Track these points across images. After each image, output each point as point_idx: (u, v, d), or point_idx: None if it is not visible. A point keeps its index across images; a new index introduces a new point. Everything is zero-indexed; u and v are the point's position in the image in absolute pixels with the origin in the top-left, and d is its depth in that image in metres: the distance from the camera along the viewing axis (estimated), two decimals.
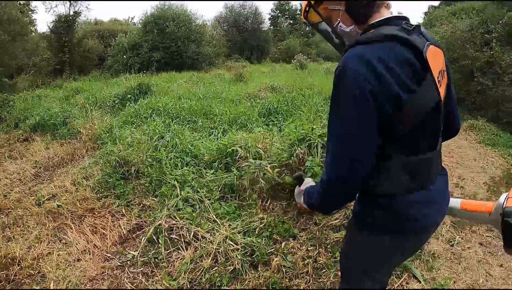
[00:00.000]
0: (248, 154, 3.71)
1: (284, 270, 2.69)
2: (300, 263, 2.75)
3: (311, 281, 2.63)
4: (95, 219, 3.52)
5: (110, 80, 13.98)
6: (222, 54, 24.26)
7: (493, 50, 9.40)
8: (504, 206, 1.29)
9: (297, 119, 5.03)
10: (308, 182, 1.55)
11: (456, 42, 10.39)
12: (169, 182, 3.64)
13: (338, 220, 3.12)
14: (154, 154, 4.28)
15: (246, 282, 2.59)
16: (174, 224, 3.03)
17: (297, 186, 1.58)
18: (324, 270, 2.71)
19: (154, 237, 3.00)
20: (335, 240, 2.96)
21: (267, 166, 3.36)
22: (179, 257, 2.79)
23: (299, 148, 3.45)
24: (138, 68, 17.69)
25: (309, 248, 2.90)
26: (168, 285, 2.57)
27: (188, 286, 2.57)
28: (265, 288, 2.55)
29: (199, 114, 6.45)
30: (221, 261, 2.67)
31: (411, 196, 1.22)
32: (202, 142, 4.79)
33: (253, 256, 2.76)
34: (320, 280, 2.65)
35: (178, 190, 3.42)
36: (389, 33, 1.12)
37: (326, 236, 3.02)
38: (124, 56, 19.20)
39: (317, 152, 3.48)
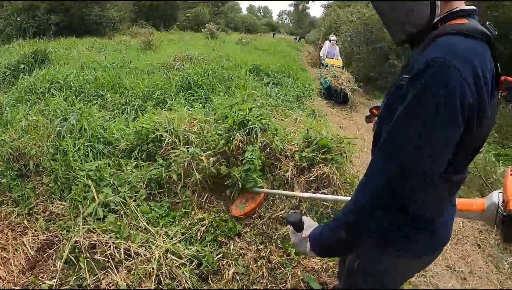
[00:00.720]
0: (176, 140, 3.17)
1: (238, 277, 2.34)
2: (253, 266, 2.43)
3: (269, 285, 2.33)
4: None
5: (1, 47, 11.69)
6: (127, 19, 22.27)
7: None
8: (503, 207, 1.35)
9: (223, 94, 4.57)
10: (311, 225, 1.25)
11: (374, 25, 11.00)
12: (80, 181, 2.92)
13: (284, 211, 2.83)
14: (56, 143, 3.37)
15: None
16: (97, 240, 2.41)
17: (293, 231, 1.28)
18: (280, 270, 2.43)
19: (73, 258, 2.37)
20: (284, 234, 2.67)
21: (201, 155, 2.88)
22: (110, 284, 2.24)
23: (238, 134, 3.01)
24: (33, 33, 15.19)
25: (259, 247, 2.58)
26: None
27: None
28: None
29: (107, 88, 5.56)
30: (166, 282, 2.20)
31: (445, 215, 1.16)
32: (114, 123, 4.03)
33: (201, 268, 2.34)
34: (278, 281, 2.36)
35: (94, 192, 2.75)
36: (484, 31, 0.96)
37: (274, 230, 2.72)
38: (18, 19, 16.51)
39: (256, 139, 3.09)
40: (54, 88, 5.42)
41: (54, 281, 2.29)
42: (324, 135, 3.18)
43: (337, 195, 2.93)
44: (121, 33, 19.17)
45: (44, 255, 2.56)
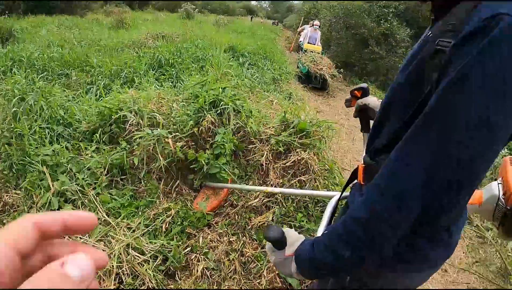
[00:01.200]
0: (141, 121, 2.86)
1: (208, 273, 2.12)
2: (225, 260, 2.21)
3: (242, 281, 2.13)
4: None
5: None
6: None
7: (390, 23, 10.26)
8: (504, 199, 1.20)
9: (196, 73, 4.26)
10: (295, 239, 0.98)
11: (355, 11, 10.99)
12: (35, 167, 2.56)
13: (258, 200, 2.61)
14: (12, 126, 2.96)
15: None
16: None
17: (272, 248, 1.00)
18: (254, 264, 2.23)
19: None
20: (259, 224, 2.47)
21: (167, 137, 2.60)
22: None
23: (208, 114, 2.73)
24: (1, 10, 14.46)
25: (231, 239, 2.37)
26: None
27: None
28: None
29: (73, 66, 5.22)
30: (128, 282, 1.95)
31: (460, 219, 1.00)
32: (77, 103, 3.67)
33: (167, 264, 2.10)
34: (252, 277, 2.16)
35: (49, 179, 2.43)
36: None
37: (247, 220, 2.51)
38: None
39: (229, 121, 2.83)
40: (16, 67, 5.00)
41: None
42: (302, 118, 2.97)
43: (315, 182, 2.74)
44: (94, 11, 18.51)
45: None
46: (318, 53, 10.19)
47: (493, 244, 2.97)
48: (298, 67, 9.33)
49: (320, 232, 1.20)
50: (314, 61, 9.09)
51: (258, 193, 2.62)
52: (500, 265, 2.75)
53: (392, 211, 0.75)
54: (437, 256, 0.98)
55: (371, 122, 1.39)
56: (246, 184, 2.72)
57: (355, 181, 1.23)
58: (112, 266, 1.98)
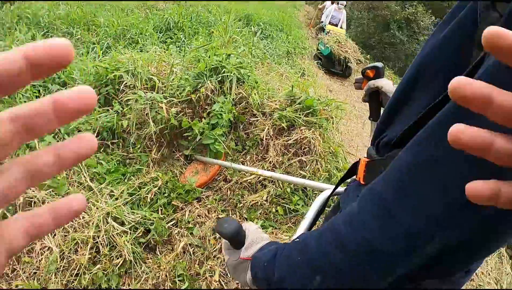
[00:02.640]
0: (137, 83, 2.69)
1: (191, 250, 1.99)
2: (211, 237, 2.07)
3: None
4: None
5: None
6: None
7: (415, 8, 9.84)
8: None
9: (203, 39, 4.04)
10: (256, 240, 0.76)
11: None
12: None
13: (254, 177, 2.44)
14: None
15: (144, 277, 1.86)
16: (32, 196, 2.00)
17: (228, 247, 0.78)
18: None
19: (9, 216, 1.98)
20: (252, 203, 2.31)
21: (161, 102, 2.42)
22: (44, 248, 1.88)
23: (208, 81, 2.54)
24: None
25: (220, 216, 2.22)
26: None
27: None
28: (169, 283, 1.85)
29: (78, 24, 4.98)
30: (104, 253, 1.83)
31: None
32: (76, 62, 3.51)
33: (148, 237, 1.98)
34: None
35: (36, 142, 2.29)
36: None
37: (240, 197, 2.35)
38: None
39: (230, 90, 2.63)
40: (23, 24, 4.78)
41: None
42: (311, 95, 2.76)
43: (317, 164, 2.57)
44: None
45: None
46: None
47: None
48: (318, 49, 8.08)
49: (300, 230, 1.00)
50: (339, 42, 7.84)
51: (256, 168, 2.46)
52: None
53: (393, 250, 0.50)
54: None
55: (382, 110, 1.17)
56: (244, 159, 2.56)
57: (354, 177, 0.97)
58: (89, 235, 1.87)
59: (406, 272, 0.52)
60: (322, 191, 1.25)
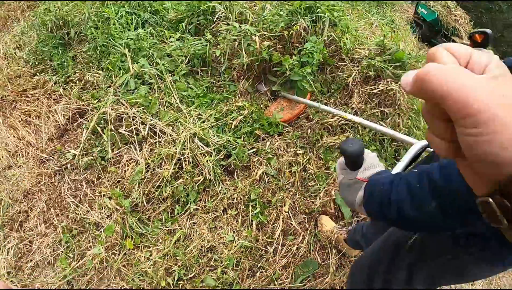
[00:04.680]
0: (230, 15, 2.67)
1: (266, 179, 2.03)
2: (287, 170, 2.09)
3: (297, 195, 2.02)
4: (28, 105, 2.62)
5: None
6: None
7: None
8: None
9: None
10: (373, 164, 0.80)
11: None
12: (118, 50, 2.55)
13: (335, 119, 2.39)
14: (99, 10, 2.95)
15: (219, 197, 1.95)
16: (123, 112, 2.14)
17: (343, 166, 0.82)
18: (313, 183, 2.09)
19: (99, 129, 2.16)
20: (330, 144, 2.27)
21: (255, 35, 2.39)
22: (131, 160, 2.02)
23: (302, 19, 2.43)
24: None
25: (298, 151, 2.22)
26: (116, 205, 1.86)
27: (145, 203, 1.89)
28: (242, 205, 1.92)
29: None
30: (187, 169, 1.93)
31: None
32: None
33: (229, 161, 2.04)
34: (308, 194, 2.04)
35: (130, 61, 2.40)
36: None
37: (319, 137, 2.31)
38: None
39: (322, 32, 2.50)
40: None
41: (78, 151, 2.14)
42: (401, 48, 2.57)
43: (398, 118, 2.44)
44: None
45: (74, 124, 2.43)
46: None
47: None
48: (417, 12, 6.31)
49: (397, 169, 1.06)
50: (448, 7, 6.09)
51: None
52: None
53: None
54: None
55: None
56: (327, 101, 2.50)
57: None
58: (176, 151, 1.97)
59: None
60: (402, 145, 1.29)
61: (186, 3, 2.97)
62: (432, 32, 5.85)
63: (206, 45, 2.53)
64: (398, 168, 1.07)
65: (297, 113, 2.45)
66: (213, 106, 2.30)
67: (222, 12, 2.64)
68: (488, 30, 1.25)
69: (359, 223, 1.92)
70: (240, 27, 2.40)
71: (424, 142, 1.23)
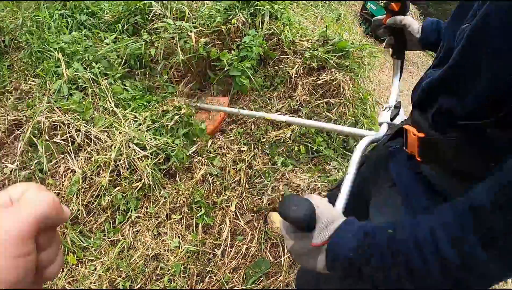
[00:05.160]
0: (167, 12, 2.56)
1: (210, 179, 1.95)
2: (231, 168, 2.02)
3: (244, 194, 1.95)
4: None
5: None
6: None
7: None
8: None
9: None
10: (329, 221, 0.61)
11: None
12: (52, 55, 2.38)
13: (280, 113, 2.34)
14: (34, 15, 2.78)
15: (161, 202, 1.86)
16: (57, 120, 1.99)
17: (291, 229, 0.63)
18: (260, 180, 2.04)
19: (35, 140, 2.00)
20: (275, 139, 2.22)
21: (191, 31, 2.29)
22: (68, 170, 1.89)
23: (240, 13, 2.37)
24: None
25: (242, 148, 2.15)
26: None
27: (85, 215, 1.79)
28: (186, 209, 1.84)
29: None
30: (125, 175, 1.83)
31: None
32: None
33: (169, 164, 1.94)
34: (255, 192, 1.98)
35: (63, 66, 2.24)
36: None
37: (263, 132, 2.26)
38: None
39: (262, 25, 2.44)
40: None
41: (15, 165, 1.98)
42: (344, 38, 2.57)
43: (344, 108, 2.43)
44: None
45: (11, 137, 2.24)
46: None
47: None
48: (365, 7, 6.24)
49: (349, 178, 0.86)
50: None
51: (282, 106, 2.35)
52: None
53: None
54: None
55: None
56: (271, 95, 2.45)
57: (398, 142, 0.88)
58: (111, 158, 1.86)
59: None
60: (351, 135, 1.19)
61: (123, 3, 2.84)
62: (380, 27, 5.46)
63: (142, 44, 2.41)
64: (350, 172, 0.91)
65: (219, 121, 2.37)
66: (150, 107, 2.18)
67: (159, 10, 2.53)
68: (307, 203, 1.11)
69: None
70: (175, 24, 2.30)
71: (370, 135, 1.11)
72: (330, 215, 0.62)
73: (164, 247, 1.81)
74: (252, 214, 1.94)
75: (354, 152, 0.97)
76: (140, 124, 2.03)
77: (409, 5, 1.17)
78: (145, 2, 2.58)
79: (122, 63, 2.40)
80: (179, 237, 1.83)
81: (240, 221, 1.90)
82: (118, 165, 1.87)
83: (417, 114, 0.75)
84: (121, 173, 1.86)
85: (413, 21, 1.15)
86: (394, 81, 1.32)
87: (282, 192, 1.96)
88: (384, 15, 1.22)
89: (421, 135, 0.70)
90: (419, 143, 0.71)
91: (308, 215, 0.58)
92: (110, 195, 1.85)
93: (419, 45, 1.16)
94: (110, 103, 2.14)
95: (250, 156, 2.09)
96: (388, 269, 0.54)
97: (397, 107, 1.17)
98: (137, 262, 1.78)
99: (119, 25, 2.65)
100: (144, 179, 1.84)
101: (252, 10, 2.43)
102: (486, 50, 0.53)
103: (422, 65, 5.96)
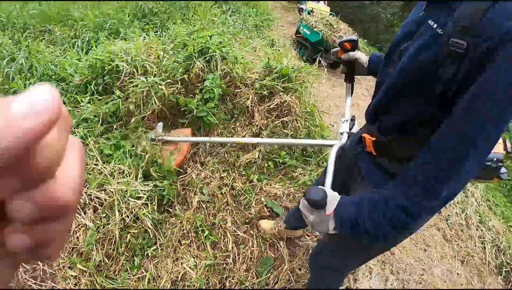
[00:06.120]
0: (135, 70, 2.88)
1: (204, 206, 2.31)
2: (218, 193, 2.39)
3: (234, 212, 2.33)
4: None
5: None
6: None
7: None
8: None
9: (182, 22, 4.17)
10: (333, 198, 0.95)
11: None
12: None
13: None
14: (6, 86, 2.94)
15: (169, 234, 2.15)
16: None
17: (310, 209, 0.96)
18: (243, 197, 2.42)
19: None
20: (246, 161, 2.63)
21: (161, 84, 2.64)
22: (79, 226, 2.07)
23: (198, 62, 2.77)
24: None
25: (222, 175, 2.52)
26: (83, 267, 1.92)
27: (107, 261, 1.98)
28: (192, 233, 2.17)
29: (54, 21, 4.90)
30: (130, 225, 2.08)
31: None
32: (66, 58, 3.58)
33: (164, 203, 2.26)
34: (242, 207, 2.37)
35: None
36: None
37: (236, 158, 2.65)
38: None
39: (216, 67, 2.85)
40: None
41: None
42: (285, 64, 3.04)
43: (297, 123, 2.87)
44: None
45: None
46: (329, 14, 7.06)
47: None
48: (299, 32, 6.42)
49: (328, 182, 1.18)
50: (331, 25, 6.06)
51: (245, 133, 2.75)
52: None
53: (442, 206, 0.81)
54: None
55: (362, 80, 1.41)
56: (234, 126, 2.84)
57: (361, 146, 1.23)
58: (115, 215, 2.08)
59: None
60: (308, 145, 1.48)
61: (87, 66, 3.08)
62: (318, 51, 5.76)
63: (117, 101, 2.67)
64: (328, 178, 1.21)
65: (186, 151, 2.54)
66: (127, 155, 2.40)
67: (127, 69, 2.83)
68: (355, 37, 1.45)
69: (289, 211, 2.28)
70: (147, 79, 2.63)
71: (337, 143, 1.41)
72: (333, 197, 0.95)
73: (184, 268, 2.05)
74: (246, 225, 2.29)
75: (329, 158, 1.31)
76: (129, 175, 2.25)
77: (358, 44, 1.48)
78: (113, 64, 2.86)
79: (101, 121, 2.64)
80: (193, 257, 2.10)
81: (239, 233, 2.24)
82: (124, 218, 2.08)
83: (369, 126, 1.15)
84: (127, 222, 2.08)
85: (362, 55, 1.46)
86: (347, 100, 1.57)
87: (265, 203, 2.37)
88: (338, 48, 1.52)
89: (374, 139, 1.10)
90: (373, 145, 1.11)
91: (321, 199, 0.91)
92: (125, 241, 2.04)
93: (367, 72, 1.46)
94: (99, 161, 2.30)
95: (230, 180, 2.48)
96: (375, 219, 0.87)
97: (353, 119, 1.46)
98: (166, 286, 1.97)
99: (90, 86, 2.88)
100: (146, 226, 2.09)
101: (207, 58, 2.83)
102: (403, 94, 0.94)
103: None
